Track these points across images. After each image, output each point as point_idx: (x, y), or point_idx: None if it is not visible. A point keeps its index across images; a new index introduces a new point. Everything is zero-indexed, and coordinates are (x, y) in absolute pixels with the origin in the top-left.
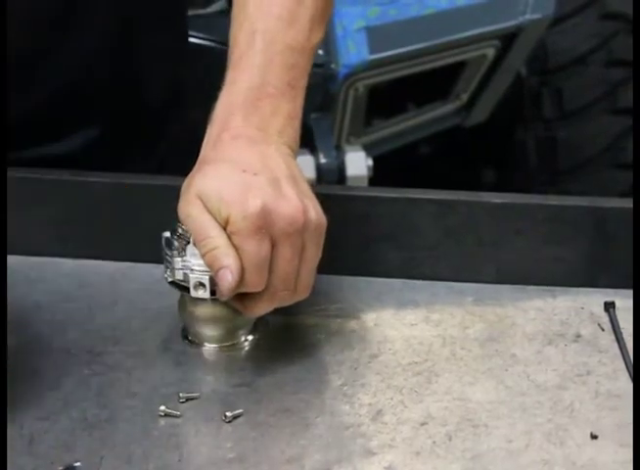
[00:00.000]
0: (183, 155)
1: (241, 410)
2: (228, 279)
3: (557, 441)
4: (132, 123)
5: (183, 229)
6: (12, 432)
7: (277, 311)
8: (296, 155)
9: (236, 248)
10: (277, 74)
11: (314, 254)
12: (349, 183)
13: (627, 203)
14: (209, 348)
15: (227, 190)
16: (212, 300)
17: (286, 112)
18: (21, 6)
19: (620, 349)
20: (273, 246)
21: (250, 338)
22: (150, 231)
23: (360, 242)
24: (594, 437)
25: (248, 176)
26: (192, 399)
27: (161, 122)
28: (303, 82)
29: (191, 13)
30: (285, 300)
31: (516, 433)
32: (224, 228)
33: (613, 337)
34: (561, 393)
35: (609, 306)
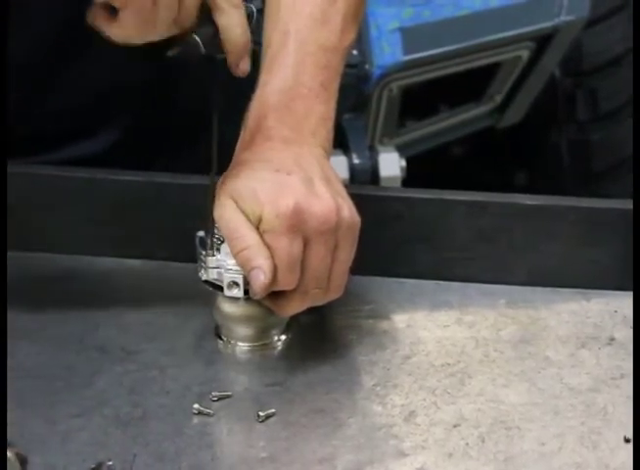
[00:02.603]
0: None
1: (273, 410)
2: (260, 278)
3: (590, 444)
4: (164, 125)
5: (217, 228)
6: (45, 429)
7: (309, 312)
8: (329, 156)
9: (268, 247)
10: (310, 75)
11: (347, 253)
12: (382, 184)
13: None
14: (242, 347)
15: (260, 189)
16: (246, 299)
17: (319, 113)
18: (51, 6)
19: None
20: (306, 245)
21: (282, 338)
22: (184, 230)
23: (393, 243)
24: (627, 440)
25: (281, 176)
26: (224, 397)
27: (194, 124)
28: (336, 83)
29: None
30: (317, 299)
31: (549, 436)
32: (257, 228)
33: None
34: (594, 396)
35: None
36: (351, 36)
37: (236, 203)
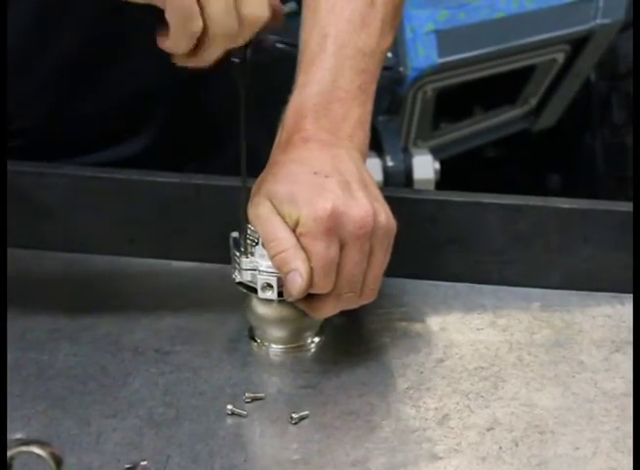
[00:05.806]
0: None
1: (307, 412)
2: (297, 282)
3: (625, 449)
4: (195, 128)
5: (252, 230)
6: (79, 429)
7: (343, 314)
8: (365, 159)
9: (305, 249)
10: (348, 78)
11: (382, 258)
12: (416, 186)
13: None
14: (276, 349)
15: (298, 192)
16: (279, 301)
17: (356, 116)
18: (88, 10)
19: None
20: (341, 249)
21: (316, 340)
22: (218, 231)
23: (427, 245)
24: None
25: (319, 178)
26: (257, 399)
27: (225, 127)
28: (373, 87)
29: None
30: (350, 303)
31: (583, 440)
32: (293, 230)
33: None
34: (629, 400)
35: None
36: (389, 40)
37: (273, 204)
